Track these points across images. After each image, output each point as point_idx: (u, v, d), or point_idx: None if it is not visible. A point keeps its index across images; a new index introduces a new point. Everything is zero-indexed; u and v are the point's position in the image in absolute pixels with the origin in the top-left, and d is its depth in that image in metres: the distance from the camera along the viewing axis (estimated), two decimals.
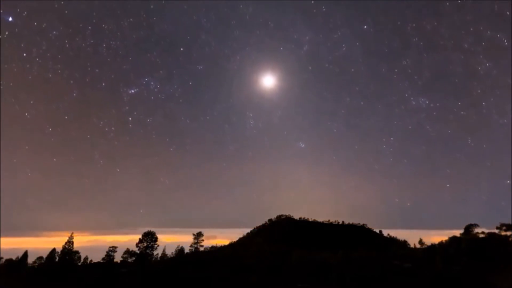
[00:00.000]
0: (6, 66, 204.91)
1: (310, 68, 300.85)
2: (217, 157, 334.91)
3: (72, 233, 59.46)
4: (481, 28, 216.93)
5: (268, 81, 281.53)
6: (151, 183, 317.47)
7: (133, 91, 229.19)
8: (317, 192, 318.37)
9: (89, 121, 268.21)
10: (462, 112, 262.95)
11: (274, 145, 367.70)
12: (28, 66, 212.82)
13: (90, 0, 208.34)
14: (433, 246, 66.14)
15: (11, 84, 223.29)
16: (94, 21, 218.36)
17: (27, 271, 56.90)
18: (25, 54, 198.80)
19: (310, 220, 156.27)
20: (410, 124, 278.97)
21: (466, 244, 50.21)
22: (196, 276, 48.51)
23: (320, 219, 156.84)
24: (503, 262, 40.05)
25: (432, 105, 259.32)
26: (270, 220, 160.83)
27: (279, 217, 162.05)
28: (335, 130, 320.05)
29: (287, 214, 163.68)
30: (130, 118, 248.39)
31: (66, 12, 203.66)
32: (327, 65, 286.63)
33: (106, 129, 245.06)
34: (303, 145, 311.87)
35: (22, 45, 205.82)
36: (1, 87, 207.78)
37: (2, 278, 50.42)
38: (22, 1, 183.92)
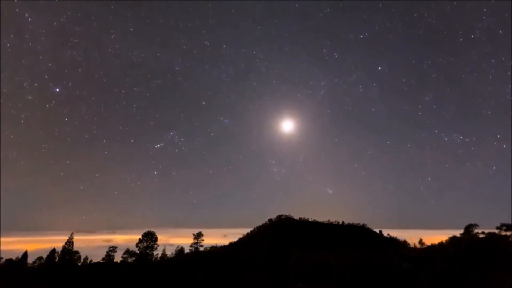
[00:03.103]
0: (49, 130, 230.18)
1: (329, 111, 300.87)
2: (240, 203, 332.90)
3: (72, 233, 59.54)
4: (503, 58, 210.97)
5: (288, 127, 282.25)
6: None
7: (158, 145, 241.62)
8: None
9: (117, 177, 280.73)
10: (504, 145, 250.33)
11: (300, 191, 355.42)
12: (67, 129, 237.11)
13: (125, 67, 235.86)
14: (433, 246, 66.08)
15: (52, 146, 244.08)
16: (127, 85, 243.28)
17: (27, 271, 56.88)
18: (66, 119, 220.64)
19: (310, 220, 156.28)
20: (447, 162, 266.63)
21: (466, 244, 50.19)
22: (196, 276, 48.55)
23: (320, 219, 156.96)
24: (503, 262, 40.03)
25: (467, 140, 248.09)
26: (270, 220, 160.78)
27: (279, 217, 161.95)
28: (364, 173, 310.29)
29: (287, 214, 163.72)
30: (155, 172, 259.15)
31: (104, 80, 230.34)
32: (346, 107, 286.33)
33: (133, 184, 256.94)
34: (331, 191, 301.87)
35: (65, 111, 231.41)
36: (43, 150, 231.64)
37: (2, 278, 50.41)
38: (69, 74, 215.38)
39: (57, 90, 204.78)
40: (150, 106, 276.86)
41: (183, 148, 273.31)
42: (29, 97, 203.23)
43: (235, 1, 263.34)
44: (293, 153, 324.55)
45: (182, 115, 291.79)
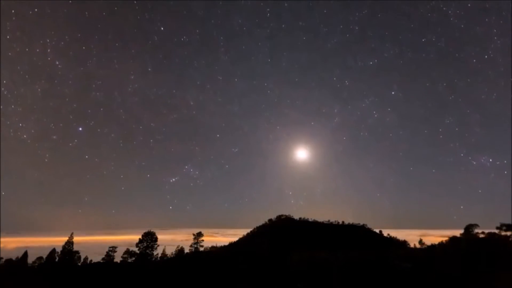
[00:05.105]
0: (70, 168, 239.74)
1: (344, 138, 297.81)
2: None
3: (72, 233, 59.55)
4: None
5: (304, 156, 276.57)
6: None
7: (174, 179, 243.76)
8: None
9: (132, 212, 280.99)
10: None
11: None
12: (88, 166, 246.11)
13: (143, 104, 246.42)
14: (433, 246, 66.15)
15: (71, 183, 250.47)
16: (144, 121, 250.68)
17: (27, 271, 56.88)
18: (87, 156, 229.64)
19: (310, 220, 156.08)
20: (480, 188, 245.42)
21: (466, 244, 50.22)
22: (196, 276, 48.53)
23: (320, 219, 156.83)
24: (503, 262, 40.02)
25: (498, 163, 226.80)
26: (270, 220, 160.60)
27: (279, 217, 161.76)
28: (387, 202, 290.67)
29: (287, 214, 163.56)
30: (170, 207, 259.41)
31: (123, 117, 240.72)
32: (361, 133, 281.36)
33: (148, 218, 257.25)
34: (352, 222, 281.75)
35: (86, 149, 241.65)
36: (63, 187, 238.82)
37: (2, 278, 50.39)
38: (92, 113, 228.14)
39: (80, 129, 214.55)
40: (166, 140, 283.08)
41: (198, 181, 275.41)
42: (54, 137, 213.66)
43: (245, 38, 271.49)
44: (311, 183, 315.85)
45: (196, 148, 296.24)
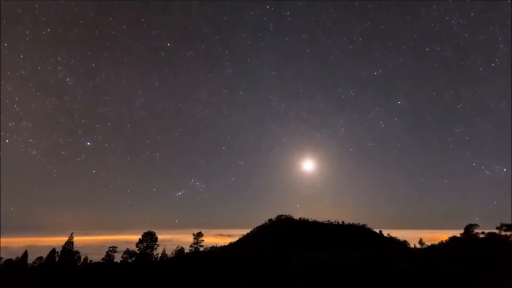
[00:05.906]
0: (78, 183, 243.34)
1: (351, 149, 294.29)
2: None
3: (72, 233, 59.57)
4: None
5: (310, 168, 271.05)
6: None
7: (180, 193, 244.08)
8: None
9: (138, 227, 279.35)
10: None
11: None
12: (95, 181, 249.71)
13: (149, 119, 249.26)
14: (433, 246, 66.21)
15: (78, 198, 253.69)
16: (151, 135, 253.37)
17: (27, 271, 56.89)
18: (94, 171, 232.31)
19: (310, 220, 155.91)
20: (495, 199, 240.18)
21: (466, 244, 50.25)
22: (196, 276, 48.51)
23: (320, 219, 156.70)
24: (503, 262, 40.01)
25: None
26: (270, 220, 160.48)
27: (279, 217, 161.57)
28: (398, 216, 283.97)
29: (287, 214, 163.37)
30: (176, 221, 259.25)
31: (130, 132, 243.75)
32: (369, 144, 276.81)
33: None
34: None
35: (93, 164, 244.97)
36: (70, 203, 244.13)
37: (2, 278, 50.38)
38: (100, 128, 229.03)
39: (88, 144, 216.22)
40: (171, 154, 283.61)
41: (204, 195, 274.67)
42: (63, 152, 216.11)
43: (250, 51, 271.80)
44: (318, 196, 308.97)
45: (202, 161, 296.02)
